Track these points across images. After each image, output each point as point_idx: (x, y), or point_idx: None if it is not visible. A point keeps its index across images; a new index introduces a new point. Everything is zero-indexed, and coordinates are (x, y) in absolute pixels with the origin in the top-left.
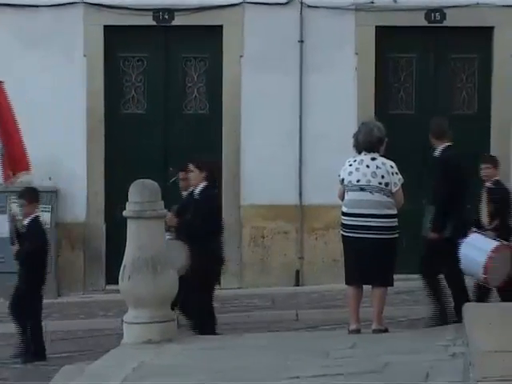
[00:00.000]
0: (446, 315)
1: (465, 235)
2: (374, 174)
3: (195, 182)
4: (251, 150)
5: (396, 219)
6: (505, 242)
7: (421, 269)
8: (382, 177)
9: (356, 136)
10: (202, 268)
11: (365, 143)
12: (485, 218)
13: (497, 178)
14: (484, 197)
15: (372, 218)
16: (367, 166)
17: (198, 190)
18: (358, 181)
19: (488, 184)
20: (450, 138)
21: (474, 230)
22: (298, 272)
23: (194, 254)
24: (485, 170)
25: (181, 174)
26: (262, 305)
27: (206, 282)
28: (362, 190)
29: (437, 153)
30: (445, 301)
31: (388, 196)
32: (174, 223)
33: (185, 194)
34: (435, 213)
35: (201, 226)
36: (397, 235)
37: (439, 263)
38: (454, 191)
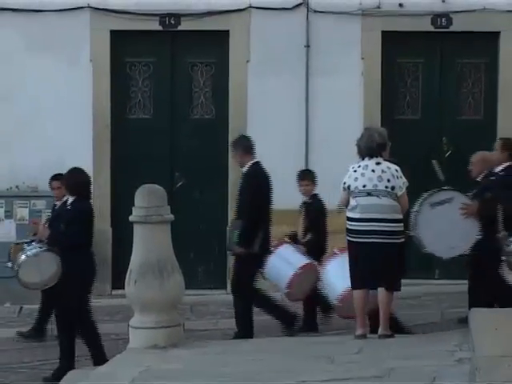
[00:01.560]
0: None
1: (269, 251)
2: (379, 178)
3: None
4: (257, 155)
5: (402, 224)
6: (313, 261)
7: (232, 285)
8: (388, 180)
9: (358, 142)
10: (73, 279)
11: (366, 149)
12: (300, 232)
13: (314, 193)
14: (302, 211)
15: (380, 222)
16: (372, 171)
17: (70, 201)
18: (364, 186)
19: (306, 199)
20: (254, 153)
21: (287, 241)
22: None
23: (66, 264)
24: (304, 187)
25: (54, 184)
26: None
27: (76, 294)
28: (369, 194)
29: (245, 169)
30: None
31: (394, 200)
32: (47, 234)
33: (58, 203)
34: (244, 227)
35: (71, 237)
36: (403, 239)
37: (249, 278)
38: (261, 206)
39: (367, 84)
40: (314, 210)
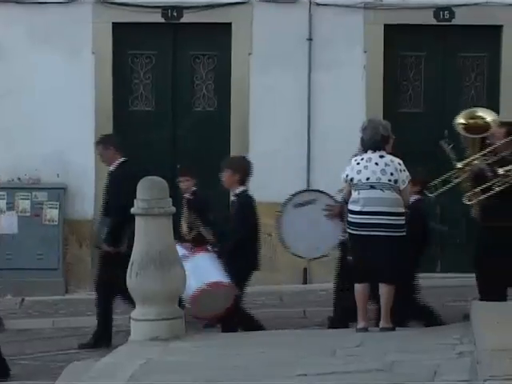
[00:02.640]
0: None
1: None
2: (383, 172)
3: None
4: (259, 148)
5: (404, 217)
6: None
7: (95, 283)
8: (391, 174)
9: (362, 133)
10: None
11: (370, 141)
12: (184, 229)
13: (195, 189)
14: (184, 208)
15: (383, 215)
16: (376, 164)
17: None
18: (367, 179)
19: (187, 195)
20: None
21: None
22: (305, 270)
23: None
24: (184, 183)
25: None
26: (269, 303)
27: None
28: (372, 187)
29: (113, 167)
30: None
31: (397, 193)
32: None
33: None
34: (112, 225)
35: None
36: (405, 233)
37: (114, 276)
38: (129, 204)
39: (369, 77)
40: (196, 206)
